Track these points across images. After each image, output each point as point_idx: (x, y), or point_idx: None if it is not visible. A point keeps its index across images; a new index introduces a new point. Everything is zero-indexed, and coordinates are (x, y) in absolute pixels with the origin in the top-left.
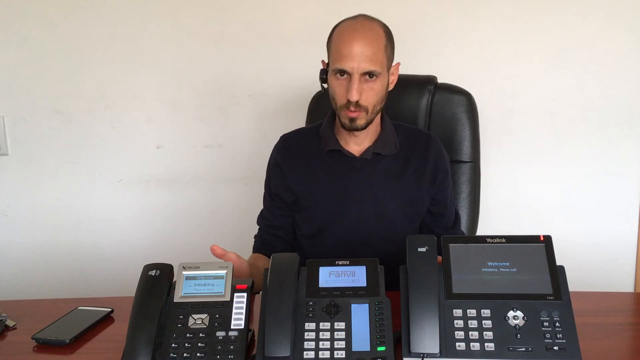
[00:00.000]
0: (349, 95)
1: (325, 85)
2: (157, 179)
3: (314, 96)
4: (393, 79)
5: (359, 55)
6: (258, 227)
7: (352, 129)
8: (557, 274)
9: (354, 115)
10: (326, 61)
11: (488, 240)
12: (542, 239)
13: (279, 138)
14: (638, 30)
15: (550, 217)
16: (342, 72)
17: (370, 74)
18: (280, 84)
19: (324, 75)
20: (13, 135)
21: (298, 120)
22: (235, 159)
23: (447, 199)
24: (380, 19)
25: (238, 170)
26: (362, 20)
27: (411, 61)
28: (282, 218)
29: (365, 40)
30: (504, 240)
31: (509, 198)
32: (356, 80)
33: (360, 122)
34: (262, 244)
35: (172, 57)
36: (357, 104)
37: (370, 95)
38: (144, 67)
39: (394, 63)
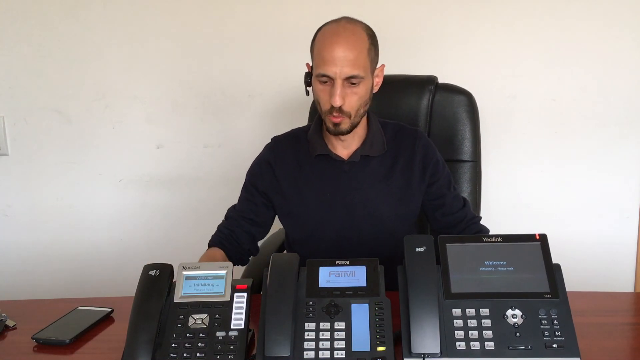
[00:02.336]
0: (332, 100)
1: (310, 89)
2: (157, 179)
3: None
4: (378, 81)
5: (342, 60)
6: (225, 219)
7: (337, 133)
8: (554, 272)
9: (337, 120)
10: (311, 64)
11: (485, 239)
12: (537, 237)
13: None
14: (638, 30)
15: (551, 216)
16: (325, 77)
17: (353, 79)
18: (280, 84)
19: (308, 79)
20: (13, 135)
21: (298, 121)
22: (235, 159)
23: (443, 187)
24: (380, 19)
25: (238, 170)
26: (345, 24)
27: (411, 61)
28: (264, 215)
29: (348, 45)
30: (500, 239)
31: (510, 198)
32: (339, 86)
33: (344, 126)
34: (228, 236)
35: (172, 57)
36: (340, 109)
37: (353, 100)
38: (144, 67)
39: (378, 65)
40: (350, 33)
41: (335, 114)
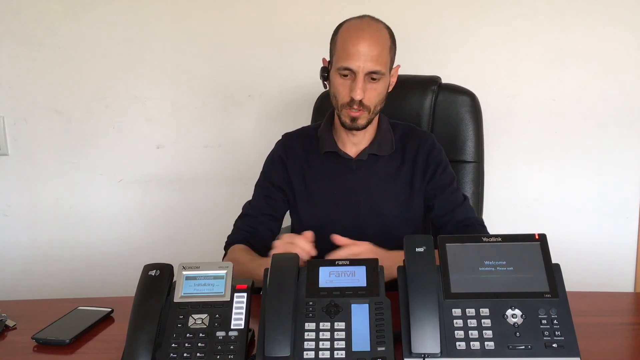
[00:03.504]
0: (353, 93)
1: (327, 83)
2: (157, 179)
3: (320, 96)
4: (393, 81)
5: (366, 54)
6: (241, 217)
7: (353, 128)
8: (554, 272)
9: (356, 114)
10: (327, 59)
11: (484, 239)
12: (537, 237)
13: (280, 137)
14: (638, 30)
15: (551, 216)
16: (347, 70)
17: (375, 74)
18: (281, 84)
19: (325, 73)
20: (13, 135)
21: (298, 120)
22: (235, 159)
23: (436, 189)
24: (383, 19)
25: (238, 170)
26: (369, 21)
27: (414, 62)
28: (282, 210)
29: (372, 40)
30: (499, 239)
31: (510, 197)
32: (361, 80)
33: (362, 121)
34: (252, 234)
35: (172, 57)
36: (360, 103)
37: (373, 95)
38: (144, 67)
39: (394, 65)
40: (374, 29)
41: (355, 107)
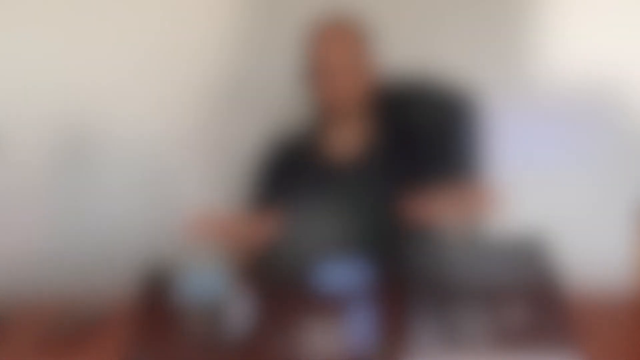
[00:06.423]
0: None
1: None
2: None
3: None
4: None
5: (339, 55)
6: None
7: None
8: (552, 272)
9: None
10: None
11: (482, 239)
12: (536, 237)
13: None
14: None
15: (551, 216)
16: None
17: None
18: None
19: (304, 75)
20: None
21: None
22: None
23: None
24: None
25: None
26: (339, 20)
27: None
28: None
29: (344, 43)
30: (497, 239)
31: (510, 198)
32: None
33: None
34: None
35: (172, 57)
36: None
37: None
38: (144, 67)
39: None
40: (346, 29)
41: None
